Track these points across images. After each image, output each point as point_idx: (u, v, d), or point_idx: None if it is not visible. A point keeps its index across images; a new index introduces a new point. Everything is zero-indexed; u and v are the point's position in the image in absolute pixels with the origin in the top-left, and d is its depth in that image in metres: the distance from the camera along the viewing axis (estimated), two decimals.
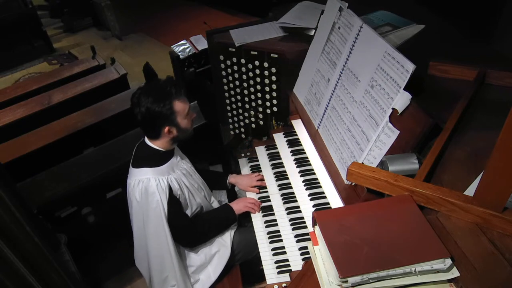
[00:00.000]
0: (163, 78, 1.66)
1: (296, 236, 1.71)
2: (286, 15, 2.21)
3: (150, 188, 1.61)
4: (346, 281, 0.96)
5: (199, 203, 1.81)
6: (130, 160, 1.72)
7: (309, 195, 1.76)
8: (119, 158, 2.39)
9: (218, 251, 1.85)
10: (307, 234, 1.69)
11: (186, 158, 1.88)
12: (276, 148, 2.13)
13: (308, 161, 1.90)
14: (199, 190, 1.84)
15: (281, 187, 1.93)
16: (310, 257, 1.14)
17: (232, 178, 2.07)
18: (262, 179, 2.02)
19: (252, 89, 2.29)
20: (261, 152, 2.17)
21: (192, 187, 1.78)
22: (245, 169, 2.17)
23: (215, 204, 1.98)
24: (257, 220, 1.88)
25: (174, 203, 1.67)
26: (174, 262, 1.72)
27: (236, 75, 2.28)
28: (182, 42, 2.85)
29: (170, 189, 1.65)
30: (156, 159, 1.66)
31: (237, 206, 1.89)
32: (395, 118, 1.37)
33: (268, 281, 1.64)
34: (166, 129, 1.60)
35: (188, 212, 1.77)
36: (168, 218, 1.65)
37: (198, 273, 1.85)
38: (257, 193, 1.99)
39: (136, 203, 1.66)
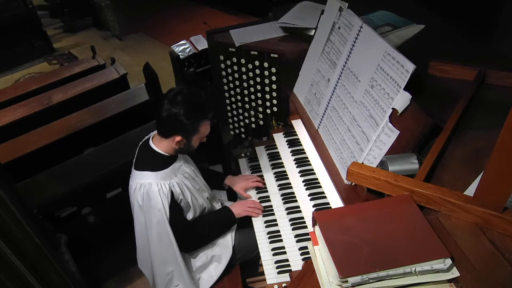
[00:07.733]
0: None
1: (296, 236, 1.71)
2: (286, 15, 2.20)
3: (152, 192, 1.60)
4: (346, 281, 0.96)
5: (201, 204, 1.81)
6: (133, 160, 1.72)
7: (309, 195, 1.76)
8: (119, 158, 2.39)
9: (220, 250, 1.85)
10: (307, 234, 1.69)
11: (191, 161, 1.87)
12: (276, 148, 2.13)
13: (308, 161, 1.90)
14: (201, 191, 1.84)
15: (281, 187, 1.93)
16: (310, 257, 1.14)
17: (227, 180, 2.05)
18: (259, 181, 2.00)
19: (252, 89, 2.29)
20: (261, 152, 2.17)
21: (194, 189, 1.77)
22: (245, 169, 2.16)
23: (217, 205, 1.98)
24: (257, 220, 1.88)
25: (175, 207, 1.67)
26: (179, 263, 1.71)
27: (236, 75, 2.28)
28: (182, 42, 2.84)
29: (172, 193, 1.65)
30: (159, 163, 1.65)
31: (237, 210, 1.87)
32: (395, 118, 1.37)
33: (268, 281, 1.64)
34: (179, 138, 1.59)
35: (191, 214, 1.76)
36: (169, 222, 1.65)
37: (200, 272, 1.84)
38: (256, 193, 1.98)
39: (138, 206, 1.66)
